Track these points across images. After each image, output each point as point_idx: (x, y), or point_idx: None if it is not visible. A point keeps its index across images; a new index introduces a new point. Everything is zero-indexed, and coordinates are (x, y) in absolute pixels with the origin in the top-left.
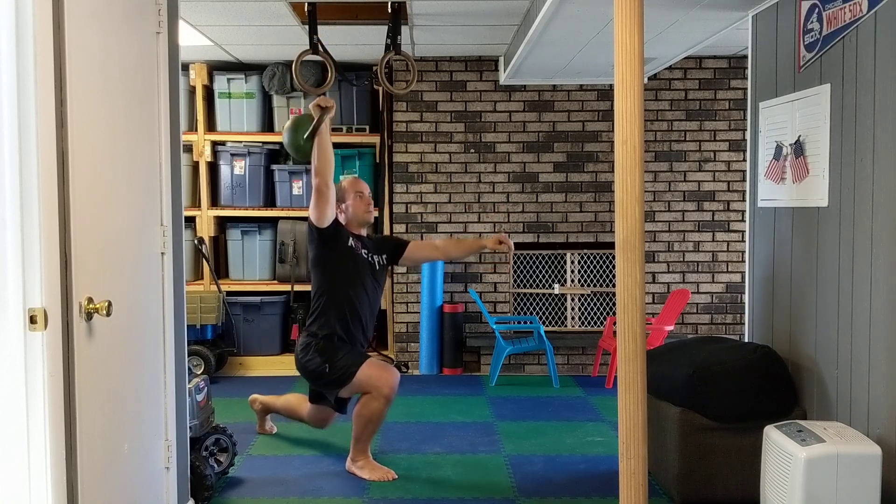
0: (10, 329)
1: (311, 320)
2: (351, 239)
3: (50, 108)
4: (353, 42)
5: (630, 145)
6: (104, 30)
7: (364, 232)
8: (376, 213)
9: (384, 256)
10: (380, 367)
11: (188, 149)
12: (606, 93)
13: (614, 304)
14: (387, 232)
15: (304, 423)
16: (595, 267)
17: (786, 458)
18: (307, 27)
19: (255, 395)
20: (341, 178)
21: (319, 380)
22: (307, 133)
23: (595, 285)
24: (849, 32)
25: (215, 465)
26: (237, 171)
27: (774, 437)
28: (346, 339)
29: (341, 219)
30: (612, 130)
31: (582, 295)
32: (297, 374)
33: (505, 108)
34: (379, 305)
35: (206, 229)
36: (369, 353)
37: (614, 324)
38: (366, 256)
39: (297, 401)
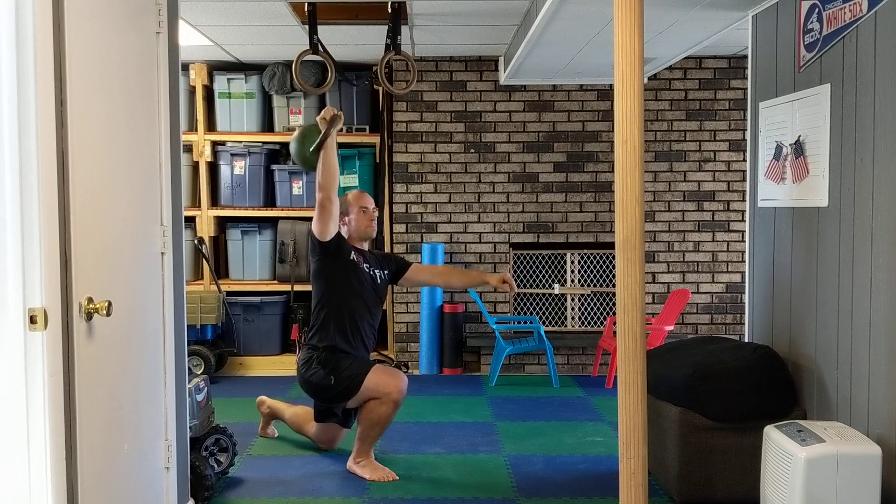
0: (10, 329)
1: (312, 333)
2: (353, 253)
3: (50, 108)
4: (353, 42)
5: (630, 145)
6: (104, 30)
7: (366, 246)
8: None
9: (386, 273)
10: (387, 373)
11: (188, 149)
12: (606, 93)
13: (614, 304)
14: (386, 232)
15: (310, 440)
16: (595, 267)
17: (786, 458)
18: (307, 27)
19: (263, 398)
20: (346, 192)
21: (324, 393)
22: (314, 146)
23: (595, 285)
24: (849, 32)
25: (215, 465)
26: (237, 171)
27: (774, 437)
28: (347, 350)
29: (343, 231)
30: (612, 130)
31: (582, 295)
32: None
33: (505, 108)
34: (379, 320)
35: (206, 229)
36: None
37: (614, 324)
38: (367, 270)
39: (306, 416)
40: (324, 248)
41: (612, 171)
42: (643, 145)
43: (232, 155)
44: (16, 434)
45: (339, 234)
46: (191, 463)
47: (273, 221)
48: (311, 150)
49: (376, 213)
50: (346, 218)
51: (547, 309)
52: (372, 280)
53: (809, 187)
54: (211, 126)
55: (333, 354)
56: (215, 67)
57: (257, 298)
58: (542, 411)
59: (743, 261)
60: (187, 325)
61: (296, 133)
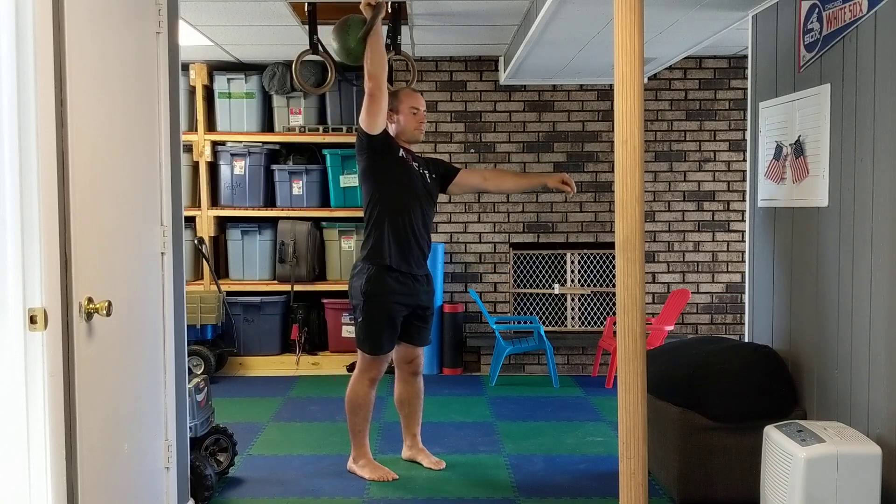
0: (10, 329)
1: (365, 237)
2: (401, 150)
3: (50, 108)
4: None
5: (630, 145)
6: (104, 30)
7: (412, 148)
8: None
9: (434, 175)
10: (385, 361)
11: (188, 149)
12: (606, 93)
13: (614, 304)
14: None
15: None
16: (595, 267)
17: (786, 458)
18: (307, 27)
19: (351, 466)
20: (399, 89)
21: (353, 312)
22: (360, 34)
23: (595, 285)
24: (849, 32)
25: (215, 465)
26: (237, 171)
27: (774, 437)
28: (402, 257)
29: (390, 129)
30: (612, 130)
31: (582, 295)
32: (298, 374)
33: (505, 108)
34: (433, 220)
35: (206, 229)
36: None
37: (614, 324)
38: (417, 168)
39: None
40: (371, 144)
41: (612, 171)
42: (643, 145)
43: (232, 155)
44: (16, 434)
45: (385, 130)
46: (191, 463)
47: (273, 221)
48: (357, 39)
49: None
50: (395, 116)
51: (547, 309)
52: (422, 178)
53: (809, 187)
54: (211, 126)
55: (381, 301)
56: (215, 67)
57: (257, 298)
58: (542, 411)
59: (743, 261)
60: (187, 325)
61: (336, 27)
